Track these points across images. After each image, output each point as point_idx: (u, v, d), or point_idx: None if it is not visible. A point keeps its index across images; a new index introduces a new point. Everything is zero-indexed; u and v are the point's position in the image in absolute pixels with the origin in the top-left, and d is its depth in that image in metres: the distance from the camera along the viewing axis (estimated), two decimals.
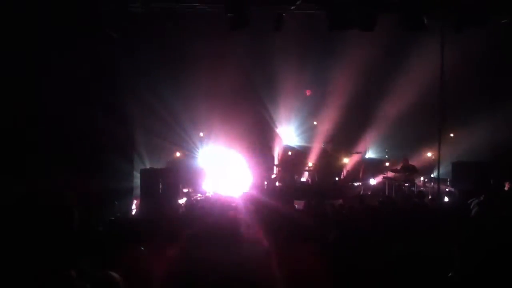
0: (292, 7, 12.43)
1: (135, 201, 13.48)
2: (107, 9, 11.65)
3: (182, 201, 13.92)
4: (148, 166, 14.71)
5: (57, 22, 10.76)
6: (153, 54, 14.53)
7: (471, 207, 9.20)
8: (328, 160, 16.81)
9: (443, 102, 10.12)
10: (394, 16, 11.60)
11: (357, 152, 17.25)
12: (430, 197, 13.07)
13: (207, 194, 15.28)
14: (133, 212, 13.08)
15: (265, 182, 15.92)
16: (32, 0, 10.29)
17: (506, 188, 12.23)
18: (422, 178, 15.90)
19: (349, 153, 17.15)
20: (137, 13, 12.63)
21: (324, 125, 17.51)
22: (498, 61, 14.72)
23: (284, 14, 12.63)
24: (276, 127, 17.75)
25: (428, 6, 10.86)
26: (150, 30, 13.42)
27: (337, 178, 16.82)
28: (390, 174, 15.32)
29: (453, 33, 11.98)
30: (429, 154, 16.21)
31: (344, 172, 17.08)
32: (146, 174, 13.70)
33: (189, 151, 16.75)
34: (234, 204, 12.22)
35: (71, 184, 11.23)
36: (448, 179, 15.01)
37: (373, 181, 16.41)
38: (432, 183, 15.51)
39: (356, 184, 16.23)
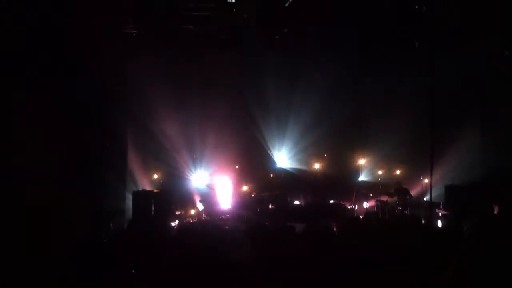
0: (285, 30, 12.56)
1: (126, 223, 13.36)
2: (102, 30, 11.70)
3: (174, 223, 13.82)
4: (140, 188, 14.64)
5: (52, 43, 10.80)
6: (147, 75, 14.56)
7: (464, 230, 9.17)
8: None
9: (435, 125, 10.16)
10: (385, 38, 11.73)
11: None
12: (423, 220, 13.04)
13: (200, 217, 15.20)
14: (125, 234, 12.92)
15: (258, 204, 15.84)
16: (28, 19, 10.31)
17: (495, 212, 12.18)
18: (415, 201, 15.86)
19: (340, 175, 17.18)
20: (131, 34, 12.70)
21: (317, 147, 17.50)
22: (488, 83, 14.84)
23: (277, 37, 12.77)
24: (269, 149, 17.73)
25: (418, 29, 11.00)
26: (143, 50, 13.47)
27: (331, 201, 16.76)
28: (383, 197, 15.28)
29: (443, 55, 12.12)
30: (421, 177, 16.21)
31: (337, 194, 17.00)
32: (138, 196, 13.61)
33: (182, 173, 16.67)
34: (227, 227, 12.18)
35: (65, 203, 11.27)
36: (441, 202, 14.99)
37: (366, 204, 16.37)
38: (425, 206, 15.48)
39: (349, 206, 16.18)
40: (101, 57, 11.40)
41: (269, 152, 17.73)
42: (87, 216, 11.26)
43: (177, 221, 14.11)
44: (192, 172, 16.80)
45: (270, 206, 16.09)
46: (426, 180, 15.36)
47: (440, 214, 14.56)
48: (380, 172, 17.03)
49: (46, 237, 8.33)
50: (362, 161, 17.69)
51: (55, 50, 10.94)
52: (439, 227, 12.07)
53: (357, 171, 17.89)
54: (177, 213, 15.02)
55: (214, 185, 16.60)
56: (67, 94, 11.62)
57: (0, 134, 10.49)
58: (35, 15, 10.23)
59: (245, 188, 16.12)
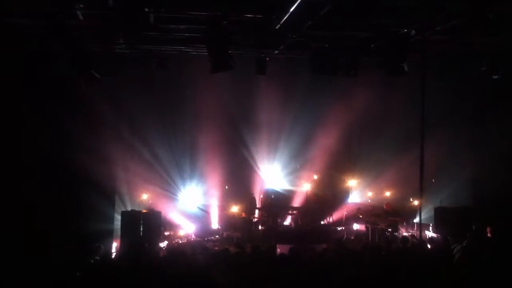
0: (276, 52, 12.64)
1: (115, 244, 13.26)
2: (93, 50, 11.72)
3: (163, 244, 13.72)
4: (129, 208, 14.54)
5: (42, 63, 10.85)
6: (137, 96, 14.59)
7: (454, 252, 9.20)
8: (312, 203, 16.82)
9: (423, 147, 10.21)
10: (375, 61, 11.82)
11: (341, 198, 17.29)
12: (413, 242, 13.02)
13: (188, 238, 15.10)
14: (113, 255, 12.82)
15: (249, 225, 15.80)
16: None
17: (488, 234, 12.26)
18: (404, 223, 15.88)
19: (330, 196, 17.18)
20: (122, 55, 12.72)
21: (307, 169, 17.53)
22: (480, 106, 14.98)
23: (267, 59, 12.85)
24: (259, 170, 17.72)
25: (409, 53, 11.11)
26: (134, 71, 13.50)
27: (322, 222, 16.72)
28: (373, 219, 15.28)
29: (433, 79, 12.24)
30: (411, 199, 16.24)
31: (327, 215, 16.98)
32: (127, 217, 13.52)
33: (171, 193, 16.61)
34: (216, 248, 12.12)
35: (54, 226, 11.24)
36: (431, 225, 15.02)
37: (356, 226, 16.35)
38: (415, 229, 15.50)
39: (339, 228, 16.15)
40: (90, 78, 11.41)
41: (259, 173, 17.72)
42: (74, 238, 11.23)
43: (166, 242, 14.01)
44: (181, 192, 16.74)
45: (260, 227, 16.04)
46: (415, 202, 15.42)
47: (429, 236, 14.59)
48: (370, 194, 17.05)
49: (34, 260, 8.29)
50: (352, 183, 17.72)
51: (45, 72, 11.00)
52: (428, 250, 12.05)
53: (347, 192, 17.91)
54: (166, 233, 14.91)
55: (207, 207, 16.56)
56: (53, 117, 11.65)
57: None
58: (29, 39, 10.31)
59: (234, 209, 16.06)
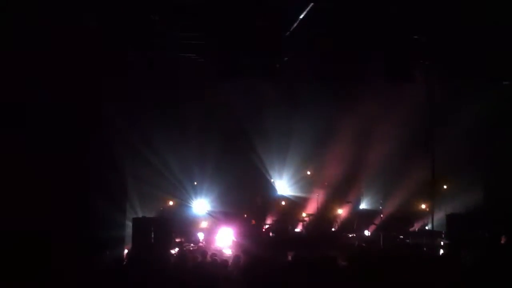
0: (285, 58, 12.64)
1: (126, 251, 13.27)
2: (101, 56, 11.75)
3: (174, 251, 13.72)
4: (140, 215, 14.56)
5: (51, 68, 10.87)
6: (145, 104, 14.61)
7: (467, 259, 9.12)
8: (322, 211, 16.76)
9: (434, 153, 10.17)
10: (383, 66, 11.79)
11: (348, 202, 17.10)
12: (425, 249, 12.94)
13: (199, 244, 15.08)
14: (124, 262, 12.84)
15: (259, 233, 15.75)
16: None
17: (502, 242, 12.13)
18: (416, 230, 15.75)
19: (341, 203, 17.07)
20: (130, 63, 12.76)
21: (318, 175, 17.48)
22: (494, 110, 14.86)
23: (277, 65, 12.84)
24: (270, 177, 17.69)
25: (414, 57, 11.07)
26: (141, 78, 13.51)
27: (333, 229, 16.65)
28: (384, 225, 15.18)
29: (445, 83, 12.18)
30: (423, 206, 16.12)
31: (338, 222, 16.91)
32: (138, 223, 13.54)
33: (182, 200, 16.61)
34: (226, 255, 12.10)
35: (63, 233, 11.23)
36: (443, 232, 14.87)
37: (367, 233, 16.25)
38: (427, 235, 15.36)
39: (350, 235, 16.05)
40: (100, 87, 11.44)
41: (269, 179, 17.69)
42: (82, 245, 11.22)
43: (177, 249, 14.00)
44: (192, 199, 16.73)
45: (270, 234, 15.98)
46: (427, 209, 15.31)
47: (442, 243, 14.44)
48: (381, 201, 16.95)
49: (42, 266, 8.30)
50: (363, 189, 17.63)
51: (54, 81, 11.03)
52: (440, 257, 11.97)
53: (358, 199, 17.81)
54: (177, 240, 14.92)
55: (216, 214, 16.53)
56: (65, 124, 11.65)
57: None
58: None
59: (245, 216, 16.02)
